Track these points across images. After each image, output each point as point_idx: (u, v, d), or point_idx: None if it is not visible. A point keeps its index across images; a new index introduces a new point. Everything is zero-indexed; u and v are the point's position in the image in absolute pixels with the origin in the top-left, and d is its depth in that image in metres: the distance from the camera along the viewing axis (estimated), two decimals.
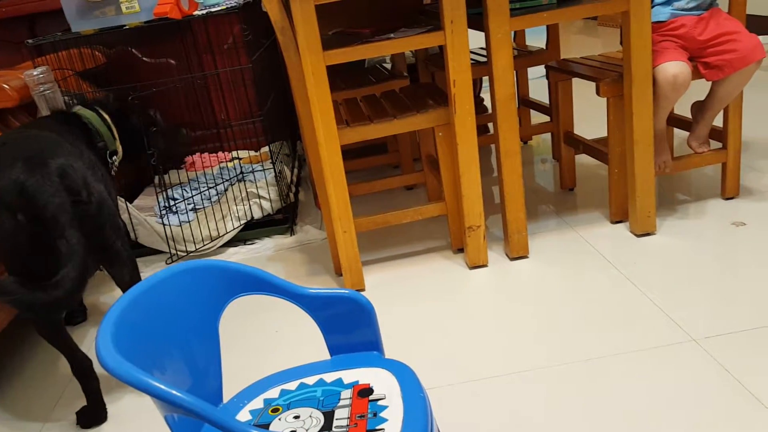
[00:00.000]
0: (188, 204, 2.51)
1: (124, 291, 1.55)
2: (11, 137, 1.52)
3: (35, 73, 2.02)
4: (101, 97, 1.87)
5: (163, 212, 2.42)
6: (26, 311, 1.33)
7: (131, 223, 2.29)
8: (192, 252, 2.30)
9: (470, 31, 1.76)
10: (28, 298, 1.26)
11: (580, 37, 5.76)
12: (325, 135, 1.78)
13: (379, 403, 0.94)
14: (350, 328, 1.06)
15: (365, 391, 0.97)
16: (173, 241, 2.30)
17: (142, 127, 1.92)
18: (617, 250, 1.92)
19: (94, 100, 1.88)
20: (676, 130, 2.40)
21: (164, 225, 2.32)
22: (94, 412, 1.53)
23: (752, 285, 1.65)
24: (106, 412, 1.54)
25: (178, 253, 2.31)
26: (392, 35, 1.84)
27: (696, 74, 1.94)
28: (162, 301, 0.92)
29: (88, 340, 1.91)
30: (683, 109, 2.27)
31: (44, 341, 1.50)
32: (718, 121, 2.10)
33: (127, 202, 2.31)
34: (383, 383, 0.98)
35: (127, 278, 1.57)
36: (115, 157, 1.82)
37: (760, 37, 1.93)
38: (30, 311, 1.32)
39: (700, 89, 2.10)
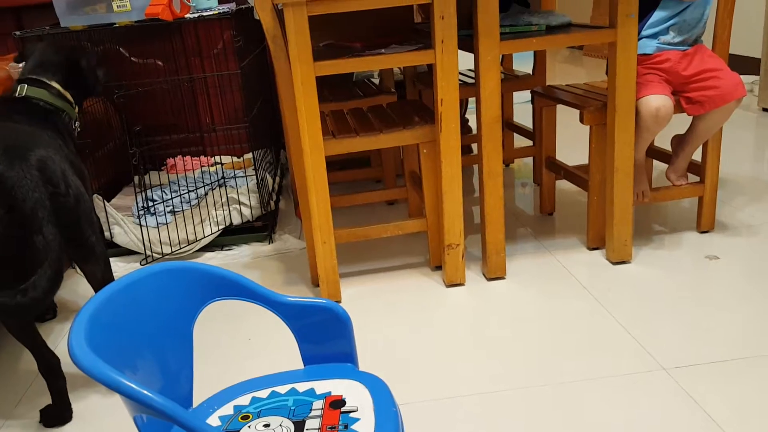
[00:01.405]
0: (167, 206, 2.49)
1: (96, 289, 1.53)
2: None
3: (20, 65, 2.00)
4: (37, 60, 1.73)
5: (141, 213, 2.39)
6: (3, 316, 1.30)
7: (107, 222, 2.26)
8: (168, 254, 2.28)
9: (459, 52, 1.78)
10: (7, 303, 1.23)
11: (565, 65, 5.84)
12: (311, 145, 1.78)
13: (351, 415, 0.93)
14: (326, 338, 1.06)
15: (337, 403, 0.97)
16: (149, 242, 2.27)
17: (90, 73, 1.83)
18: (593, 277, 1.94)
19: (33, 70, 1.73)
20: (655, 162, 2.44)
21: (141, 226, 2.30)
22: (58, 411, 1.50)
23: (723, 318, 1.68)
24: (71, 412, 1.51)
25: (154, 254, 2.28)
26: (383, 51, 1.86)
27: (678, 108, 1.98)
28: (138, 300, 0.92)
29: (55, 336, 1.87)
30: (663, 142, 2.31)
31: (7, 337, 1.47)
32: (696, 156, 2.14)
33: (105, 201, 2.29)
34: (356, 395, 0.98)
35: (100, 275, 1.54)
36: (77, 123, 1.77)
37: (742, 77, 1.97)
38: (6, 315, 1.29)
39: (681, 123, 2.14)
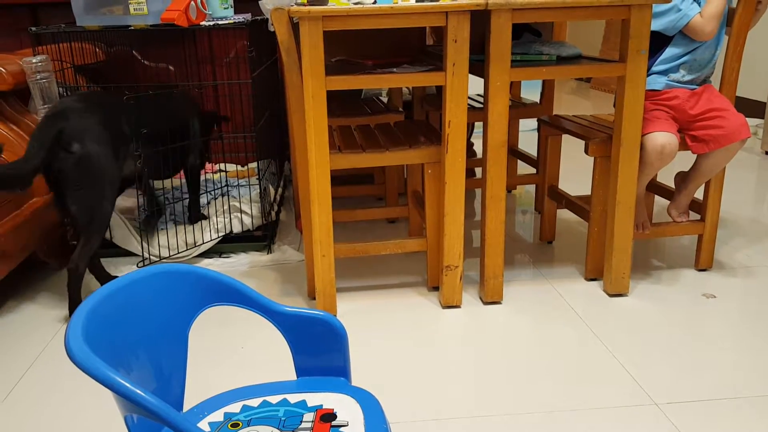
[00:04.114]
0: (169, 210, 2.49)
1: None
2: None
3: (34, 60, 2.02)
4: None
5: (143, 215, 2.39)
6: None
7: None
8: (165, 258, 2.28)
9: (469, 76, 1.80)
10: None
11: (572, 97, 5.88)
12: (317, 158, 1.79)
13: (342, 429, 0.93)
14: (321, 350, 1.06)
15: (328, 416, 0.96)
16: (147, 244, 2.27)
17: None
18: (589, 307, 1.94)
19: None
20: (657, 198, 2.45)
21: (141, 228, 2.30)
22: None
23: (716, 357, 1.67)
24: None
25: (151, 257, 2.28)
26: (394, 70, 1.87)
27: (683, 145, 1.99)
28: (137, 299, 0.92)
29: (52, 330, 1.87)
30: (667, 178, 2.33)
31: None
32: (698, 194, 2.15)
33: None
34: (347, 410, 0.98)
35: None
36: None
37: (747, 119, 1.99)
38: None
39: (685, 160, 2.15)
